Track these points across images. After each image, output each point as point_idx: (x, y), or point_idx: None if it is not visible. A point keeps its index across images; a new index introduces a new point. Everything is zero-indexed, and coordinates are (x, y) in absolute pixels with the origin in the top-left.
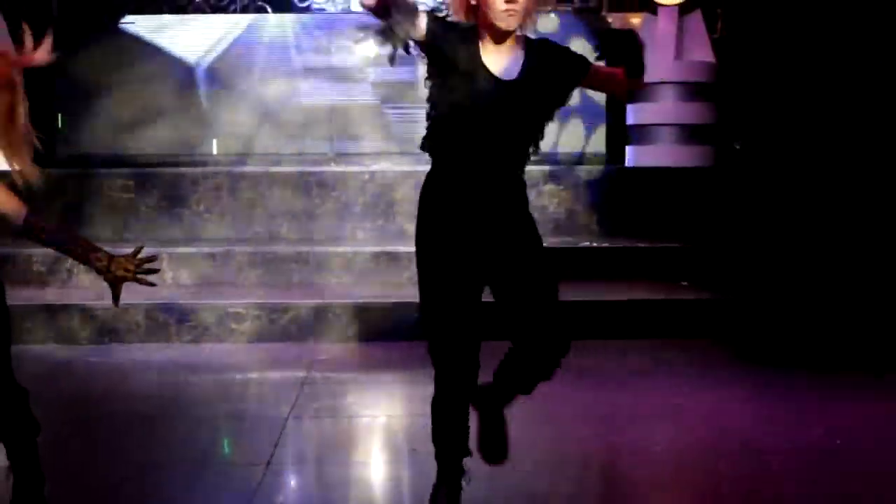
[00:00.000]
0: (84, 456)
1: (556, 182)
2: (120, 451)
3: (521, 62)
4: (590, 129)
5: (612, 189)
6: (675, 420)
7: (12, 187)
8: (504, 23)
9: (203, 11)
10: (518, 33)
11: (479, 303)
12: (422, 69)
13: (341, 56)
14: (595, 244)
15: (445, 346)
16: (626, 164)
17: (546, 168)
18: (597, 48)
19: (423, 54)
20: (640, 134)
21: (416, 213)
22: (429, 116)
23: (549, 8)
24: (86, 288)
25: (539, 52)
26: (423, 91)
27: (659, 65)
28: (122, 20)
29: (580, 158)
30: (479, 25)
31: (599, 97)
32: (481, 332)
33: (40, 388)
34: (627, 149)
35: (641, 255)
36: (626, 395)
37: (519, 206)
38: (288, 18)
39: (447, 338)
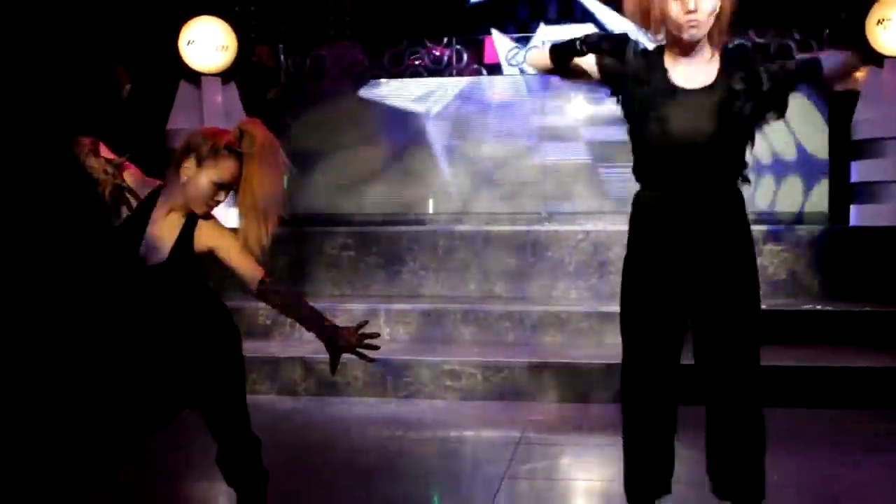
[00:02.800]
0: None
1: (776, 242)
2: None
3: (715, 70)
4: (811, 187)
5: (836, 250)
6: None
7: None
8: (687, 34)
9: (420, 75)
10: (713, 44)
11: (681, 339)
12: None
13: (555, 116)
14: (818, 307)
15: (642, 380)
16: (851, 223)
17: (766, 227)
18: None
19: (608, 91)
20: (866, 192)
21: None
22: (633, 149)
23: (733, 13)
24: (307, 342)
25: (737, 58)
26: None
27: (886, 119)
28: (343, 85)
29: (801, 218)
30: (667, 40)
31: (821, 154)
32: (679, 376)
33: (263, 438)
34: (852, 207)
35: (867, 320)
36: (851, 468)
37: (733, 222)
38: (502, 80)
39: (645, 371)
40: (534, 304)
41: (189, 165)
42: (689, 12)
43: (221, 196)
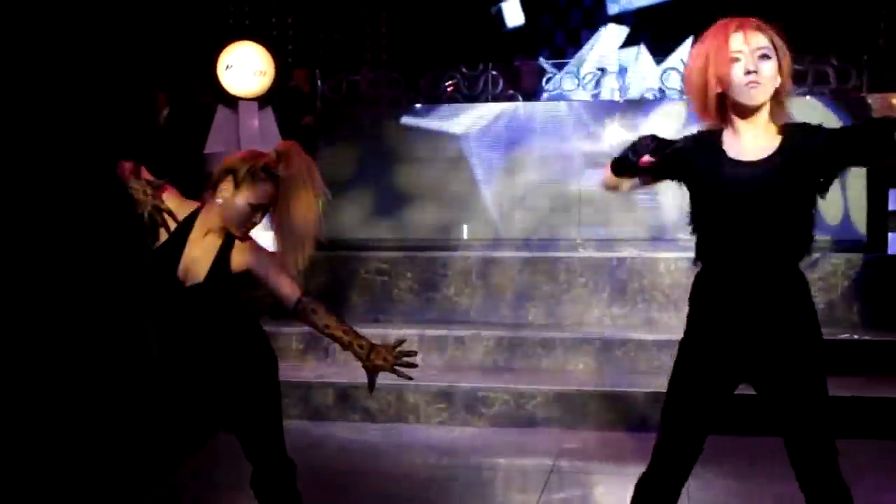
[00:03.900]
0: None
1: (813, 271)
2: None
3: (776, 143)
4: (849, 215)
5: (874, 278)
6: None
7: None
8: (748, 97)
9: (456, 101)
10: (772, 119)
11: (727, 400)
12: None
13: (590, 142)
14: (856, 336)
15: (677, 435)
16: (889, 251)
17: None
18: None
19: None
20: None
21: (665, 300)
22: (695, 229)
23: (791, 85)
24: (340, 367)
25: (797, 132)
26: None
27: None
28: (378, 110)
29: (839, 246)
30: (728, 118)
31: (859, 180)
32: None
33: (296, 463)
34: (890, 235)
35: None
36: (890, 494)
37: (796, 304)
38: (538, 106)
39: (682, 429)
40: (567, 331)
41: (226, 187)
42: (749, 72)
43: (258, 218)
